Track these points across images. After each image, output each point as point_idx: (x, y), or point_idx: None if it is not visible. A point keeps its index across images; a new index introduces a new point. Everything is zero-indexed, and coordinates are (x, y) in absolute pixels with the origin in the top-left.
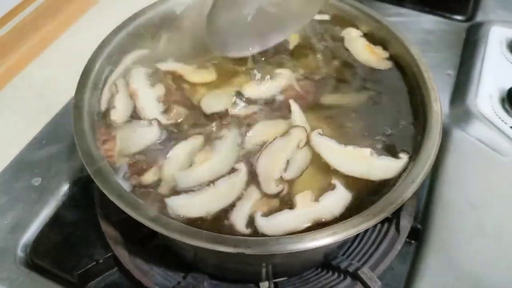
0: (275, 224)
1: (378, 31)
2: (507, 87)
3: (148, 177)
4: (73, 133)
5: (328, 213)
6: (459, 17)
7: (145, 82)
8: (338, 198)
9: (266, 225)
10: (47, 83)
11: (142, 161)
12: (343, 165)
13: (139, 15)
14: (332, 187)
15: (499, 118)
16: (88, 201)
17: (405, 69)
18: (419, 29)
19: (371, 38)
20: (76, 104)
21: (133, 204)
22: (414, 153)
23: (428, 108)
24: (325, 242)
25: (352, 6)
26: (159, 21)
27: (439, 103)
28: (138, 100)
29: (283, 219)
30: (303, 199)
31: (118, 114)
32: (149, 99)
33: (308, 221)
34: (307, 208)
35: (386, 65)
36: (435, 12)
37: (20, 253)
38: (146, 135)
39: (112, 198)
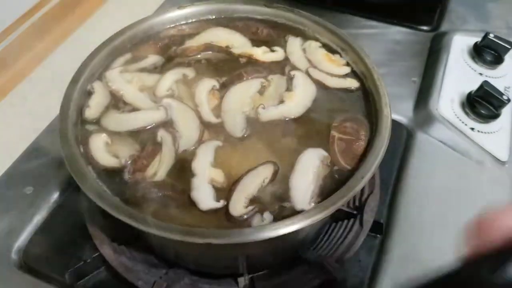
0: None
1: (337, 43)
2: (468, 91)
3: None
4: (60, 140)
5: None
6: (424, 28)
7: (121, 80)
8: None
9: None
10: (39, 99)
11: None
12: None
13: (124, 32)
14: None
15: (460, 120)
16: (76, 208)
17: (360, 76)
18: (387, 40)
19: (329, 48)
20: (61, 114)
21: (112, 203)
22: (366, 152)
23: (379, 112)
24: (285, 231)
25: (316, 22)
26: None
27: (389, 108)
28: (125, 97)
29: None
30: None
31: (90, 111)
32: (134, 93)
33: None
34: None
35: (345, 70)
36: (402, 23)
37: (14, 256)
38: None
39: (92, 197)
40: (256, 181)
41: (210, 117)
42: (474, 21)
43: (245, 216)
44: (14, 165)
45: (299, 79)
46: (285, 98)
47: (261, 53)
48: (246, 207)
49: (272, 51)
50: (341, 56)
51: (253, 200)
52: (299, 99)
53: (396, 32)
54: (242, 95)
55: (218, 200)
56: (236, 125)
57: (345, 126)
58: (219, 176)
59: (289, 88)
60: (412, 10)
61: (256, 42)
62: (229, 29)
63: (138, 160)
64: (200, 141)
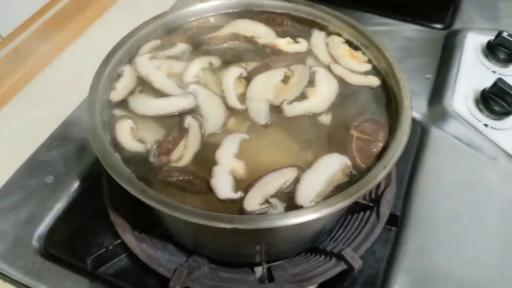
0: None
1: (358, 38)
2: (481, 88)
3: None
4: (87, 127)
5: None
6: (438, 25)
7: (151, 66)
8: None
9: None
10: (58, 90)
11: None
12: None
13: (152, 21)
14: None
15: (474, 116)
16: (97, 196)
17: (381, 71)
18: (400, 37)
19: (352, 44)
20: (89, 106)
21: (141, 188)
22: (387, 142)
23: (400, 104)
24: (307, 218)
25: (337, 17)
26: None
27: (409, 99)
28: (154, 83)
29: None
30: None
31: (115, 94)
32: (163, 79)
33: None
34: None
35: (366, 67)
36: (416, 21)
37: (35, 243)
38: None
39: (121, 182)
40: (278, 181)
41: (236, 103)
42: (486, 19)
43: (257, 212)
44: (35, 154)
45: (321, 74)
46: (308, 94)
47: (285, 44)
48: (261, 204)
49: (296, 42)
50: (363, 53)
51: (268, 199)
52: (323, 94)
53: (410, 30)
54: (267, 84)
55: (236, 191)
56: (260, 113)
57: (365, 126)
58: (240, 168)
59: (311, 84)
60: (425, 8)
61: (280, 34)
62: (254, 20)
63: (163, 144)
64: (224, 125)
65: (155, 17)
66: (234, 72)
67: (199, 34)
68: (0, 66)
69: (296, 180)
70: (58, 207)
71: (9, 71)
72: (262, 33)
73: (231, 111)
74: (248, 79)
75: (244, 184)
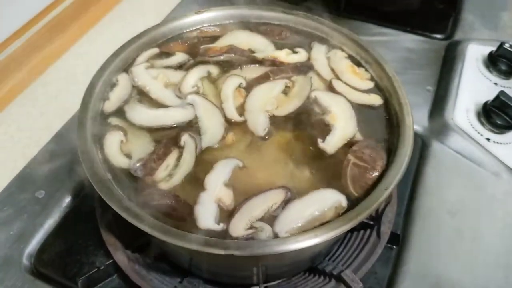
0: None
1: (358, 52)
2: (483, 101)
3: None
4: (78, 145)
5: None
6: (438, 36)
7: (147, 76)
8: None
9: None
10: (50, 101)
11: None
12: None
13: (149, 31)
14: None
15: (475, 130)
16: (89, 212)
17: (383, 88)
18: (401, 48)
19: (355, 59)
20: (79, 120)
21: (133, 212)
22: (388, 163)
23: (401, 121)
24: (307, 244)
25: (339, 31)
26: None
27: (411, 117)
28: (151, 93)
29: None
30: None
31: (109, 104)
32: (160, 89)
33: None
34: None
35: (368, 84)
36: (416, 31)
37: (25, 261)
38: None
39: (113, 206)
40: (265, 204)
41: (234, 115)
42: (488, 29)
43: (243, 237)
44: (26, 168)
45: (325, 98)
46: (331, 121)
47: (285, 55)
48: (246, 229)
49: (295, 52)
50: (365, 69)
51: (255, 223)
52: (343, 115)
53: (410, 40)
54: (266, 95)
55: (218, 223)
56: (258, 124)
57: (363, 152)
58: (228, 198)
59: (324, 111)
60: (426, 18)
61: (279, 45)
62: (252, 32)
63: (147, 163)
64: (223, 139)
65: (149, 29)
66: (233, 82)
67: (197, 45)
68: None
69: (285, 203)
70: (49, 223)
71: (0, 80)
72: (261, 45)
73: (229, 122)
74: (247, 89)
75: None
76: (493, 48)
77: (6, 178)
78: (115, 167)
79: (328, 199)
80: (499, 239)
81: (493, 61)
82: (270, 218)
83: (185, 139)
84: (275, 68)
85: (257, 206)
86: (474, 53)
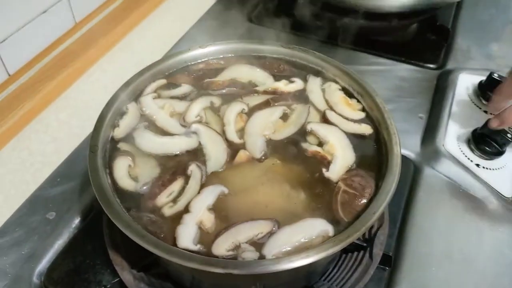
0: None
1: (351, 84)
2: (473, 129)
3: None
4: (89, 174)
5: None
6: (431, 65)
7: (154, 105)
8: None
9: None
10: (62, 127)
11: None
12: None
13: (156, 65)
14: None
15: (465, 156)
16: (97, 233)
17: (374, 119)
18: (394, 77)
19: (348, 91)
20: (91, 147)
21: (138, 232)
22: (377, 189)
23: (389, 150)
24: (300, 264)
25: (332, 64)
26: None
27: (399, 146)
28: (157, 122)
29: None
30: None
31: (118, 131)
32: (166, 118)
33: None
34: None
35: (360, 115)
36: (409, 61)
37: (35, 280)
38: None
39: (119, 225)
40: (251, 232)
41: (234, 137)
42: (478, 59)
43: (224, 257)
44: (37, 191)
45: (320, 129)
46: (330, 151)
47: (283, 85)
48: (228, 250)
49: (292, 81)
50: (358, 101)
51: (237, 247)
52: (340, 145)
53: (403, 69)
54: (265, 120)
55: (196, 244)
56: (256, 147)
57: (353, 180)
58: (208, 222)
59: (321, 143)
60: (419, 48)
61: (278, 78)
62: (252, 65)
63: (152, 187)
64: (227, 163)
65: (158, 61)
66: (236, 107)
67: (202, 77)
68: (6, 103)
69: (270, 234)
70: (59, 243)
71: (14, 107)
72: (261, 78)
73: (229, 144)
74: (248, 115)
75: (211, 236)
76: (483, 77)
77: (18, 200)
78: (123, 190)
79: (316, 228)
80: (488, 262)
81: (483, 90)
82: (254, 244)
83: (192, 168)
84: (277, 96)
85: (243, 232)
86: (465, 82)
